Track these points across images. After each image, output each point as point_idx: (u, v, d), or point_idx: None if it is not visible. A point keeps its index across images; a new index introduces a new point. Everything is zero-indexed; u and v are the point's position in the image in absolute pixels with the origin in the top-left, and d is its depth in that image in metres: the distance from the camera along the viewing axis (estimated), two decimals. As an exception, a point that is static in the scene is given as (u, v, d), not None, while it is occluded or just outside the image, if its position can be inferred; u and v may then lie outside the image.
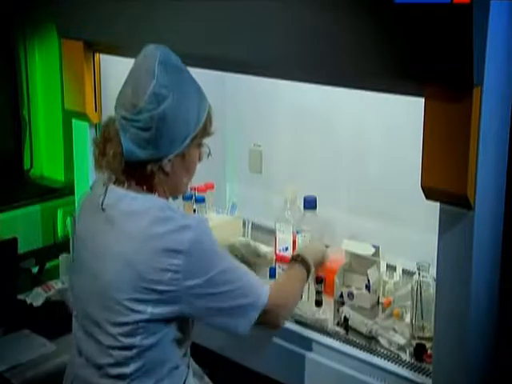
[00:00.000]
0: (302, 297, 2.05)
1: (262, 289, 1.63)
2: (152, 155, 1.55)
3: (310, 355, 1.95)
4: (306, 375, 1.96)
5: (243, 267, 1.64)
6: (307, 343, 1.96)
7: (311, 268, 1.88)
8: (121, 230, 1.56)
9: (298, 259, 1.87)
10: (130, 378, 1.58)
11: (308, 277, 1.87)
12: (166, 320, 1.57)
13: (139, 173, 1.58)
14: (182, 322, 1.62)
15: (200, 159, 1.68)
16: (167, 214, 1.55)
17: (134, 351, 1.56)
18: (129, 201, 1.57)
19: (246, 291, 1.60)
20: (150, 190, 1.61)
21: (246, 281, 1.61)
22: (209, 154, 1.68)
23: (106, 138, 1.59)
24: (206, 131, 1.63)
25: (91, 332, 1.62)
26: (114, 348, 1.57)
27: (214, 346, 2.13)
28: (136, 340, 1.56)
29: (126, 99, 1.56)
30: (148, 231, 1.53)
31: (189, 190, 2.49)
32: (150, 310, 1.53)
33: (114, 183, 1.61)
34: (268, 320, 1.65)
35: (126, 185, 1.60)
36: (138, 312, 1.53)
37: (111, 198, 1.59)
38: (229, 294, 1.57)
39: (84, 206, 1.72)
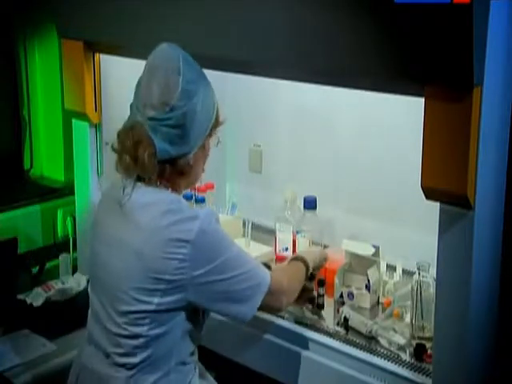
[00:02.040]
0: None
1: (265, 273, 1.66)
2: (183, 150, 1.59)
3: (310, 355, 1.95)
4: (306, 375, 1.96)
5: (246, 253, 1.68)
6: (307, 343, 1.96)
7: (310, 267, 1.92)
8: (131, 221, 1.59)
9: (297, 258, 1.93)
10: (136, 368, 1.61)
11: (306, 275, 1.91)
12: (173, 310, 1.59)
13: (171, 170, 1.61)
14: (191, 315, 1.64)
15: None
16: (176, 205, 1.59)
17: (141, 340, 1.59)
18: (141, 193, 1.60)
19: (250, 276, 1.63)
20: (165, 184, 1.63)
21: (250, 266, 1.64)
22: (218, 142, 1.72)
23: (135, 142, 1.58)
24: (218, 120, 1.68)
25: (101, 320, 1.65)
26: (121, 336, 1.60)
27: (216, 347, 2.13)
28: (143, 329, 1.58)
29: (154, 99, 1.57)
30: (156, 222, 1.56)
31: (189, 189, 2.50)
32: (157, 301, 1.56)
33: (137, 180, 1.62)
34: (270, 303, 1.68)
35: (154, 183, 1.62)
36: (145, 302, 1.56)
37: (128, 191, 1.62)
38: (233, 279, 1.60)
39: (104, 199, 1.75)
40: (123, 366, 1.61)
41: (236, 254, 1.62)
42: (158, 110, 1.56)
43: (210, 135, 1.66)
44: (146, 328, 1.58)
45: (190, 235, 1.54)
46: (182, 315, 1.61)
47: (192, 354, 1.70)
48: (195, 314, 1.66)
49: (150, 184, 1.61)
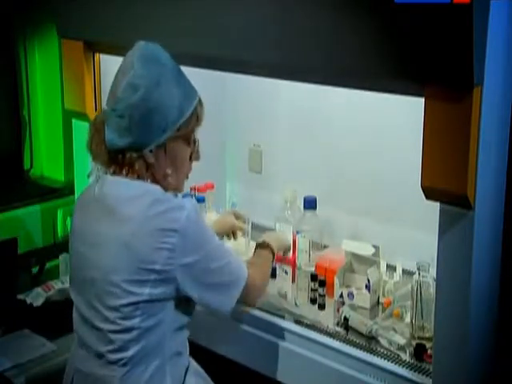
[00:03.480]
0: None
1: (243, 268, 1.72)
2: (130, 144, 1.61)
3: (309, 355, 1.95)
4: (306, 375, 1.96)
5: (226, 246, 1.75)
6: (307, 343, 1.96)
7: (275, 253, 1.99)
8: (118, 216, 1.60)
9: (264, 245, 1.96)
10: (130, 363, 1.62)
11: (272, 260, 1.98)
12: (163, 300, 1.60)
13: (122, 161, 1.63)
14: (180, 303, 1.65)
15: (192, 158, 1.71)
16: (161, 196, 1.62)
17: (135, 333, 1.60)
18: (124, 187, 1.63)
19: (231, 269, 1.68)
20: (142, 178, 1.65)
21: (231, 259, 1.69)
22: (198, 156, 1.73)
23: (95, 128, 1.67)
24: (189, 127, 1.66)
25: (91, 321, 1.65)
26: (113, 332, 1.61)
27: (214, 347, 2.14)
28: (135, 322, 1.59)
29: (111, 92, 1.65)
30: (145, 213, 1.58)
31: (189, 189, 2.50)
32: (148, 291, 1.58)
33: (110, 173, 1.66)
34: (246, 297, 1.72)
35: (118, 173, 1.65)
36: (136, 294, 1.58)
37: (106, 187, 1.65)
38: (217, 270, 1.65)
39: (79, 201, 1.77)
40: (116, 362, 1.62)
41: (218, 245, 1.68)
42: (110, 101, 1.64)
43: (176, 139, 1.64)
44: (138, 320, 1.59)
45: (178, 224, 1.57)
46: (172, 304, 1.63)
47: (184, 343, 1.73)
48: (184, 303, 1.67)
49: (131, 177, 1.63)
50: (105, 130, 1.63)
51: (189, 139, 1.68)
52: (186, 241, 1.58)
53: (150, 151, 1.62)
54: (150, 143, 1.62)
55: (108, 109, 1.64)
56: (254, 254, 1.96)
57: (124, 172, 1.64)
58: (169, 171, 1.67)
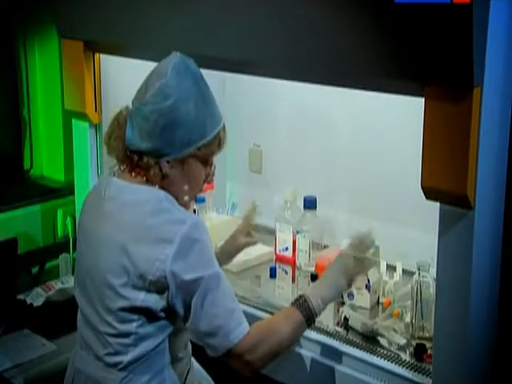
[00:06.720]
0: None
1: (239, 328, 1.57)
2: (149, 149, 1.59)
3: (309, 355, 1.95)
4: (305, 375, 1.96)
5: (232, 293, 1.61)
6: (307, 343, 1.96)
7: (315, 312, 1.67)
8: (118, 221, 1.60)
9: (298, 301, 1.68)
10: (129, 368, 1.61)
11: (310, 323, 1.68)
12: (160, 310, 1.59)
13: (137, 162, 1.62)
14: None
15: (208, 179, 1.70)
16: (165, 205, 1.60)
17: (132, 338, 1.60)
18: (130, 192, 1.62)
19: (226, 318, 1.56)
20: (151, 183, 1.63)
21: (233, 306, 1.58)
22: (213, 175, 1.72)
23: (117, 122, 1.65)
24: (210, 149, 1.65)
25: (91, 321, 1.65)
26: (111, 335, 1.61)
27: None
28: (132, 327, 1.59)
29: (140, 92, 1.63)
30: (144, 221, 1.57)
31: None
32: (142, 298, 1.57)
33: (115, 174, 1.67)
34: (232, 363, 1.61)
35: (127, 174, 1.64)
36: (131, 299, 1.57)
37: (113, 190, 1.64)
38: (210, 309, 1.55)
39: (87, 200, 1.76)
40: (115, 366, 1.61)
41: (219, 282, 1.56)
42: (138, 101, 1.62)
43: (194, 157, 1.63)
44: (134, 325, 1.59)
45: (175, 236, 1.53)
46: (170, 314, 1.60)
47: (185, 347, 1.72)
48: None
49: (139, 180, 1.63)
50: (125, 125, 1.62)
51: (207, 161, 1.67)
52: (180, 256, 1.53)
53: (168, 162, 1.61)
54: (168, 154, 1.60)
55: (133, 107, 1.62)
56: (282, 311, 1.72)
57: (133, 174, 1.63)
58: (186, 187, 1.66)
